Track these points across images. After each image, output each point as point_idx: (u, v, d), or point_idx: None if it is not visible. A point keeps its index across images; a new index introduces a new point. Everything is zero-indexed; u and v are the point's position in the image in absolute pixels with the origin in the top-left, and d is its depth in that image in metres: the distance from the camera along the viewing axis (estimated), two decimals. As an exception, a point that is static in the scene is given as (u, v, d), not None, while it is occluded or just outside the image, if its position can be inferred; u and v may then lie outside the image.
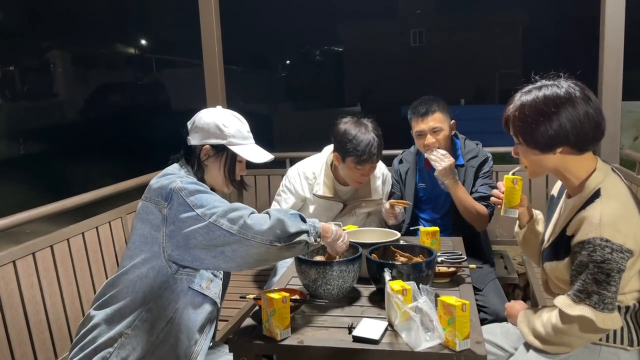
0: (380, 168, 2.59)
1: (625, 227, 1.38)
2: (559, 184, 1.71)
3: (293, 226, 1.50)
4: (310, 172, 2.50)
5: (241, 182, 1.79)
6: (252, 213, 1.51)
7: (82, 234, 2.16)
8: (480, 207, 2.40)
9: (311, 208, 2.52)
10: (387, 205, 2.38)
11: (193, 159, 1.68)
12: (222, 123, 1.67)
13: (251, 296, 1.67)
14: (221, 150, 1.68)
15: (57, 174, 10.70)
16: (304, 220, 1.56)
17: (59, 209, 2.18)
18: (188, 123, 1.72)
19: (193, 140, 1.68)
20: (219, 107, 1.75)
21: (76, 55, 25.12)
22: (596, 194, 1.43)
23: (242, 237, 1.46)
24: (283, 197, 2.55)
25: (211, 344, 1.70)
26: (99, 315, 1.55)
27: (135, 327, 1.51)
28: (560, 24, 22.16)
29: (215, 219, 1.47)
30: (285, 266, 2.19)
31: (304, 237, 1.52)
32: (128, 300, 1.53)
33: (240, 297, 1.76)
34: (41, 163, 12.99)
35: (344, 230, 2.11)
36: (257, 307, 1.61)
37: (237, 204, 1.54)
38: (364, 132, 2.27)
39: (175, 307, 1.54)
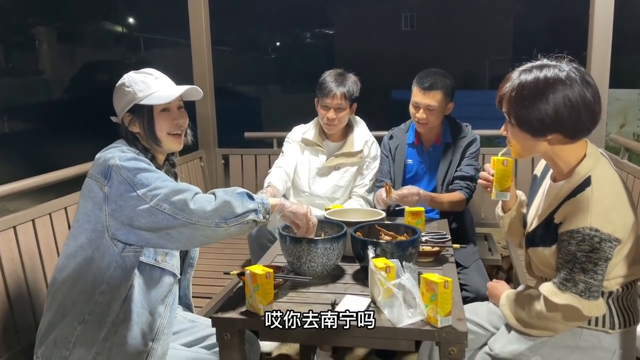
0: (363, 133, 2.71)
1: (615, 216, 1.37)
2: (542, 163, 1.68)
3: (240, 207, 1.46)
4: (304, 126, 2.82)
5: (184, 133, 1.67)
6: (196, 194, 1.46)
7: (65, 208, 2.13)
8: (454, 196, 2.44)
9: (300, 154, 2.74)
10: (382, 193, 2.33)
11: (124, 133, 1.63)
12: (124, 84, 1.60)
13: (235, 272, 1.67)
14: (137, 110, 1.60)
15: (41, 152, 10.53)
16: (251, 197, 1.51)
17: (41, 183, 2.16)
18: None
19: (117, 118, 1.64)
20: (127, 74, 1.65)
21: (62, 32, 24.62)
22: (586, 182, 1.40)
23: (187, 221, 1.42)
24: (286, 147, 2.79)
25: (179, 308, 1.71)
26: (52, 306, 1.54)
27: (92, 312, 1.50)
28: (551, 9, 22.10)
29: (157, 203, 1.42)
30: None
31: (252, 216, 1.47)
32: (79, 285, 1.51)
33: (224, 274, 1.76)
34: (26, 141, 12.78)
35: (328, 209, 2.12)
36: (241, 284, 1.61)
37: (182, 185, 1.49)
38: (332, 74, 2.60)
39: (129, 285, 1.52)
